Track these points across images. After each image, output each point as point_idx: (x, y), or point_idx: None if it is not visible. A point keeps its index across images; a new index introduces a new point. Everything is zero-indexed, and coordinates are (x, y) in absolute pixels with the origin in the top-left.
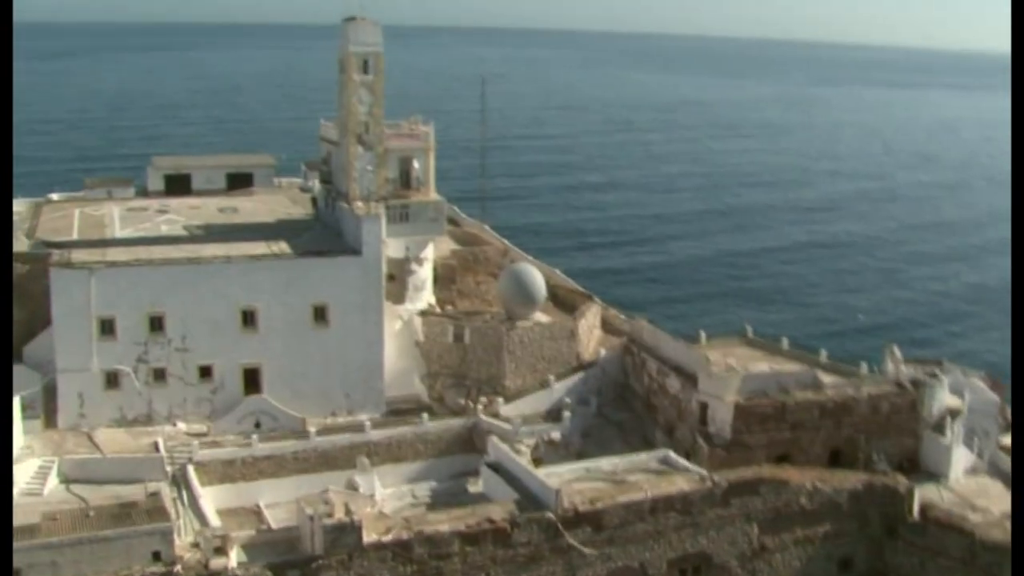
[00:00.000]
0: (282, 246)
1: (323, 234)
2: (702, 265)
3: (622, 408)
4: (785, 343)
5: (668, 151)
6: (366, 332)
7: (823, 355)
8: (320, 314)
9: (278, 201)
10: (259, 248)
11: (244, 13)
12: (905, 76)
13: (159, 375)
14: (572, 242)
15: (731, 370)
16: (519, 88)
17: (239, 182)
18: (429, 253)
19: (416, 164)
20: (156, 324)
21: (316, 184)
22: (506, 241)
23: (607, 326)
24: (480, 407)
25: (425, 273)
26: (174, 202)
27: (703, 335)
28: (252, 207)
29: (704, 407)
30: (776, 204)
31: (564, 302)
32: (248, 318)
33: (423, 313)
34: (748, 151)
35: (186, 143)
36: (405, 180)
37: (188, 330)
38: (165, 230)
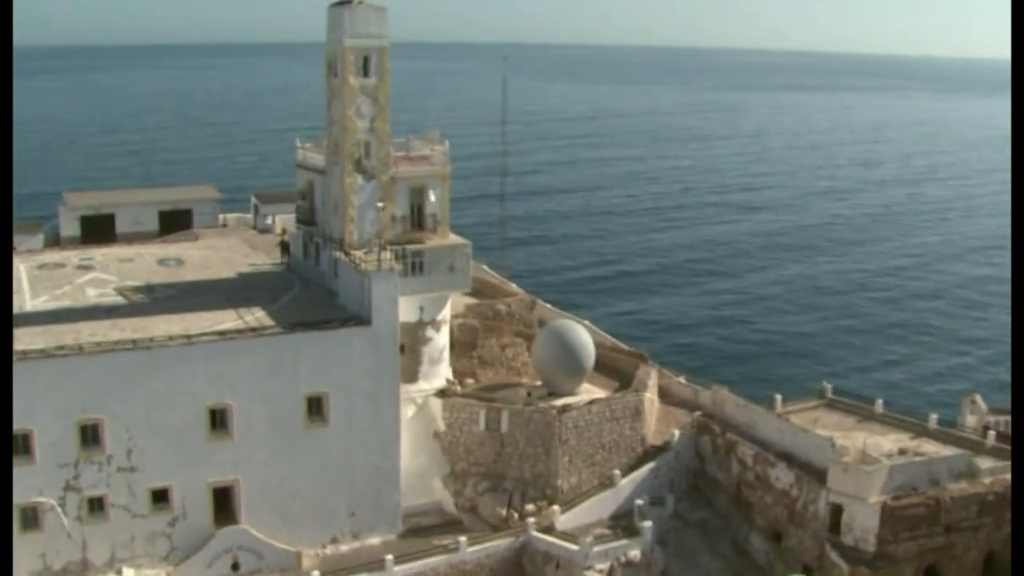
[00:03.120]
0: (259, 315)
1: (308, 295)
2: (706, 307)
3: (699, 503)
4: (880, 405)
5: (617, 167)
6: (378, 428)
7: (932, 420)
8: (316, 408)
9: (231, 246)
10: (227, 320)
11: (136, 35)
12: (810, 80)
13: (96, 506)
14: (558, 279)
15: (871, 460)
16: (437, 102)
17: (175, 222)
18: (447, 314)
19: (432, 196)
20: (90, 436)
21: (277, 225)
22: (517, 287)
23: (662, 395)
24: (530, 520)
25: (443, 340)
26: (98, 253)
27: (779, 399)
28: (201, 256)
29: (837, 510)
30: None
31: (609, 366)
32: (218, 420)
33: (443, 394)
34: (688, 160)
35: (100, 176)
36: (417, 218)
37: (135, 442)
38: (93, 296)
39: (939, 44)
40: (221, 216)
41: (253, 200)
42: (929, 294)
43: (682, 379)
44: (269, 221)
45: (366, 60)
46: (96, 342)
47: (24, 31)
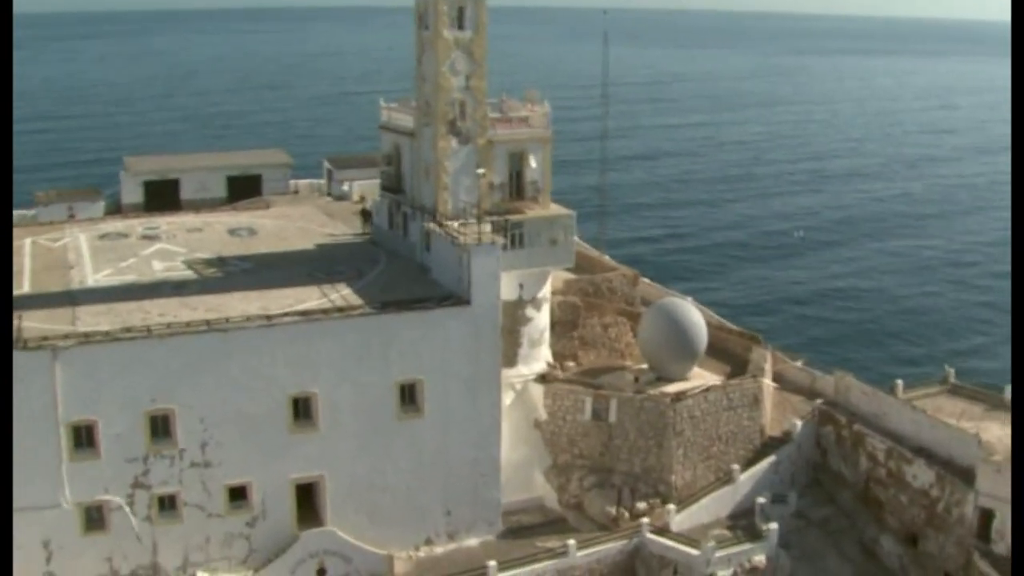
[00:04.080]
0: (344, 293)
1: (396, 270)
2: (809, 283)
3: (820, 500)
4: (1008, 393)
5: (690, 133)
6: (476, 418)
7: None
8: (409, 396)
9: (306, 215)
10: (310, 298)
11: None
12: (872, 44)
13: (167, 505)
14: (649, 250)
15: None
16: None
17: (244, 188)
18: (547, 291)
19: (533, 162)
20: (161, 428)
21: (354, 192)
22: (613, 262)
23: (776, 380)
24: (643, 519)
25: (544, 320)
26: (163, 221)
27: (900, 385)
28: (274, 226)
29: (987, 515)
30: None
31: (718, 348)
32: (301, 409)
33: (544, 379)
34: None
35: (159, 143)
36: (517, 186)
37: (210, 434)
38: (160, 270)
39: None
40: (292, 182)
41: (326, 165)
42: None
43: (800, 363)
44: (345, 187)
45: (460, 11)
46: (166, 323)
47: None
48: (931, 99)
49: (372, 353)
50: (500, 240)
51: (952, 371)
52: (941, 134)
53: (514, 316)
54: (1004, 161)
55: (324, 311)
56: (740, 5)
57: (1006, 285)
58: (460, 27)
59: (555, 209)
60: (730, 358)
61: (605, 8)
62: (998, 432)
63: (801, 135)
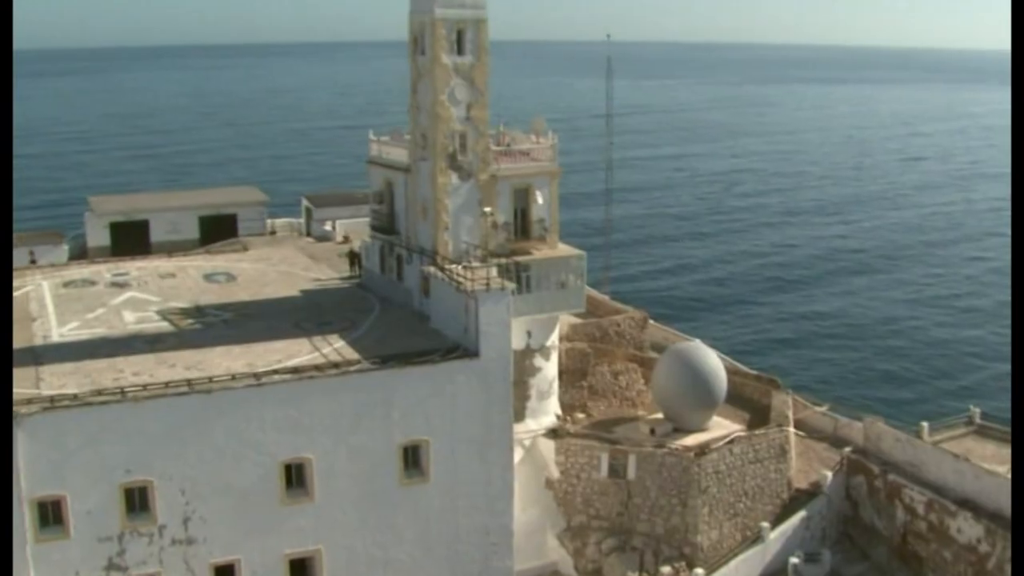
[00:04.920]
0: (338, 346)
1: (392, 318)
2: (813, 321)
3: (853, 556)
4: None
5: (654, 166)
6: (486, 481)
7: None
8: (413, 459)
9: (288, 258)
10: (300, 352)
11: (143, 37)
12: (834, 73)
13: None
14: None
15: None
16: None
17: (218, 229)
18: (555, 339)
19: (540, 199)
20: (137, 502)
21: (338, 231)
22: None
23: (796, 426)
24: None
25: (553, 371)
26: (133, 266)
27: (926, 427)
28: (254, 270)
29: None
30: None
31: (734, 394)
32: (294, 477)
33: (555, 434)
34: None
35: (124, 181)
36: (522, 225)
37: (193, 507)
38: (131, 322)
39: (964, 36)
40: (268, 222)
41: (304, 203)
42: None
43: (824, 408)
44: (328, 227)
45: (460, 34)
46: (142, 384)
47: (35, 34)
48: (899, 127)
49: (372, 413)
50: (510, 285)
51: (977, 411)
52: (923, 161)
53: (522, 366)
54: (988, 187)
55: (317, 367)
56: (710, 36)
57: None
58: (460, 52)
59: (564, 249)
60: (746, 404)
61: (608, 32)
62: None
63: (786, 164)
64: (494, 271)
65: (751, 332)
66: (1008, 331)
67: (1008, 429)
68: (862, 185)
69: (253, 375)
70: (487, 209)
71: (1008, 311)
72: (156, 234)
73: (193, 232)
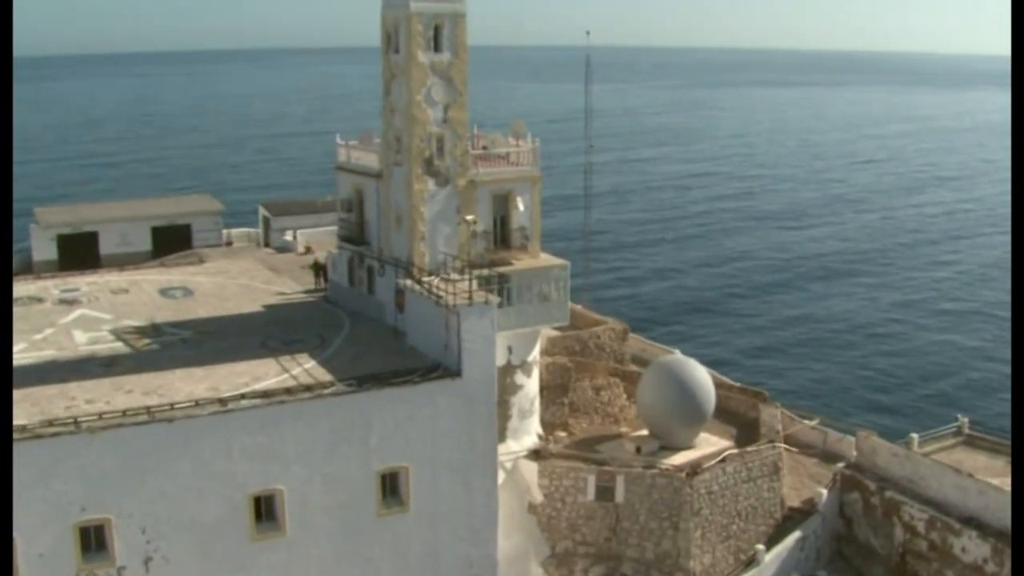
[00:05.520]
0: (308, 366)
1: (365, 335)
2: (790, 328)
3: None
4: None
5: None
6: (471, 509)
7: None
8: (391, 487)
9: (248, 270)
10: (268, 374)
11: (83, 45)
12: (780, 76)
13: None
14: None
15: None
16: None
17: (172, 240)
18: (537, 354)
19: (521, 205)
20: (94, 542)
21: (299, 242)
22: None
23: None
24: None
25: (535, 388)
26: (82, 281)
27: (916, 439)
28: (212, 284)
29: None
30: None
31: (722, 409)
32: (264, 511)
33: (538, 455)
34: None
35: (68, 192)
36: (502, 234)
37: (155, 546)
38: (83, 342)
39: (904, 40)
40: (224, 232)
41: (262, 212)
42: None
43: (814, 422)
44: (288, 237)
45: (436, 30)
46: (97, 413)
47: None
48: (851, 129)
49: (348, 439)
50: (495, 299)
51: (966, 420)
52: (880, 163)
53: (502, 384)
54: (946, 190)
55: (288, 391)
56: (654, 40)
57: (995, 316)
58: (436, 49)
59: (546, 259)
60: (732, 418)
61: (588, 30)
62: None
63: (744, 168)
64: (474, 282)
65: (721, 341)
66: (988, 335)
67: (998, 440)
68: (823, 188)
69: (218, 400)
70: (470, 217)
71: (979, 314)
72: (106, 246)
73: (145, 244)
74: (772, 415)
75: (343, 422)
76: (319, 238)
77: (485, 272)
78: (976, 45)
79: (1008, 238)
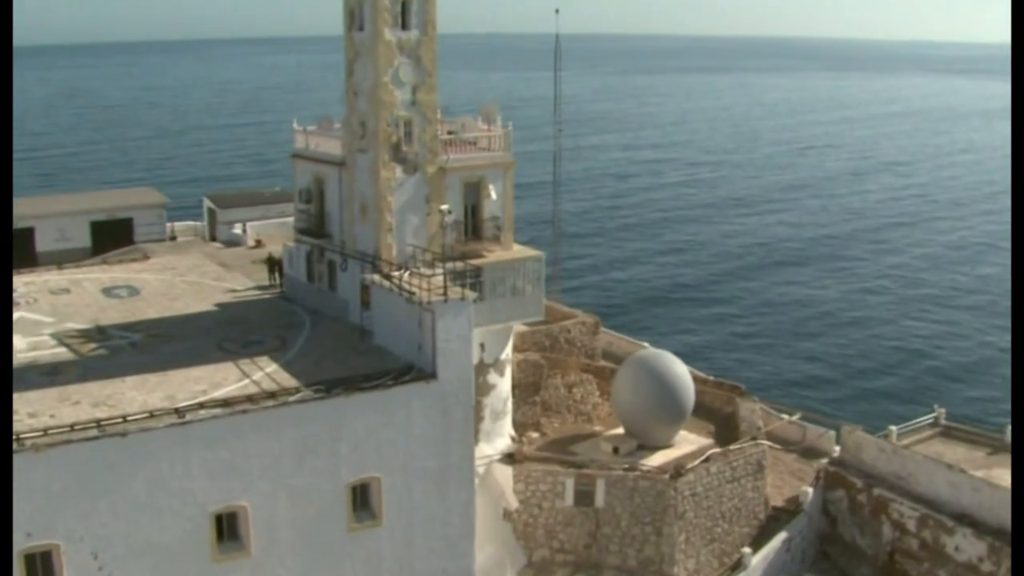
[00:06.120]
0: (270, 370)
1: (327, 334)
2: (754, 319)
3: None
4: (1009, 434)
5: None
6: (446, 520)
7: None
8: (362, 500)
9: (196, 266)
10: (227, 380)
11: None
12: (713, 62)
13: None
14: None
15: None
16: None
17: (113, 235)
18: (509, 351)
19: (493, 193)
20: (41, 570)
21: (249, 235)
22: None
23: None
24: None
25: (507, 387)
26: (19, 281)
27: (894, 431)
28: (159, 282)
29: None
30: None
31: (698, 404)
32: (227, 529)
33: (512, 459)
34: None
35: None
36: (474, 224)
37: (108, 572)
38: (22, 348)
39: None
40: (168, 225)
41: (207, 204)
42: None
43: (795, 417)
44: (237, 230)
45: (404, 6)
46: (42, 429)
47: None
48: (798, 115)
49: (316, 449)
50: (471, 295)
51: (943, 411)
52: (829, 149)
53: (475, 384)
54: (891, 176)
55: (250, 398)
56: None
57: (958, 300)
58: (404, 26)
59: (519, 250)
60: (708, 414)
61: (557, 7)
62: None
63: (687, 154)
64: (442, 274)
65: (686, 332)
66: (950, 320)
67: (975, 430)
68: (772, 175)
69: (175, 411)
70: (444, 207)
71: (941, 298)
72: (43, 243)
73: (84, 240)
74: (751, 410)
75: (310, 431)
76: (270, 231)
77: (460, 265)
78: (905, 31)
79: (974, 221)
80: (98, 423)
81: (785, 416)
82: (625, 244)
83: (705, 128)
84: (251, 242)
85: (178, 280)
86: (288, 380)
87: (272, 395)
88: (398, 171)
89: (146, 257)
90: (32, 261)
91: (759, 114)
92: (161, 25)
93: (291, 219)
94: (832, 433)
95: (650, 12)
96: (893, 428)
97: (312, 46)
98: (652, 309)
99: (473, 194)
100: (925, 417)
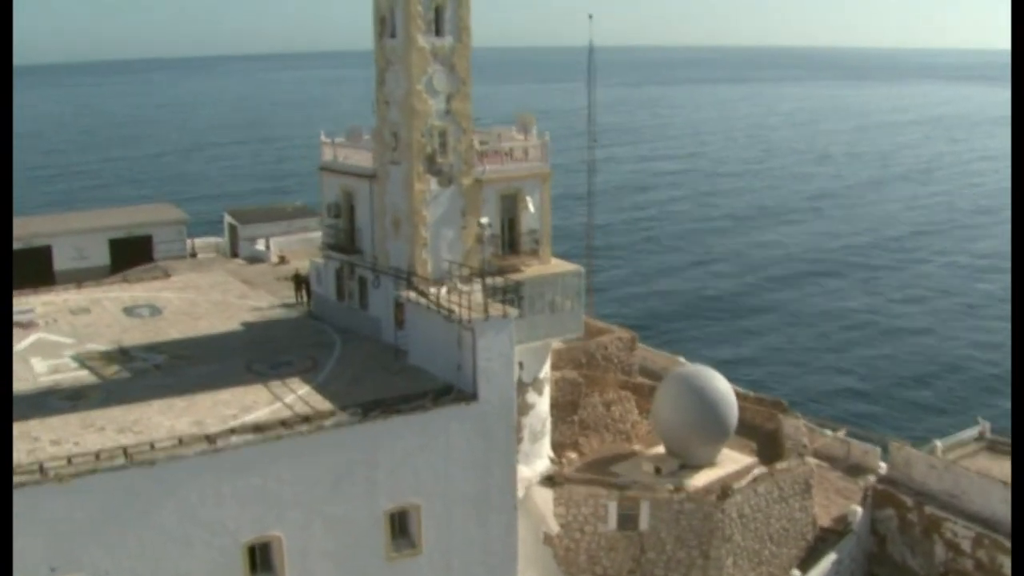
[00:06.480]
0: (302, 392)
1: (359, 354)
2: (793, 331)
3: None
4: None
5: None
6: (488, 547)
7: None
8: (401, 527)
9: (218, 284)
10: (258, 403)
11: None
12: (726, 73)
13: None
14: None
15: None
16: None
17: (132, 253)
18: (547, 370)
19: (531, 206)
20: None
21: (272, 251)
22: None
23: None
24: None
25: (546, 406)
26: (37, 301)
27: (939, 446)
28: (181, 301)
29: None
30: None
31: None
32: (260, 561)
33: (552, 481)
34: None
35: (18, 206)
36: (511, 237)
37: None
38: (43, 372)
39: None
40: (189, 242)
41: (227, 220)
42: None
43: (840, 433)
44: (260, 246)
45: (438, 11)
46: (66, 457)
47: None
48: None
49: (353, 476)
50: (513, 312)
51: (987, 424)
52: (853, 158)
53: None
54: (931, 180)
55: (284, 423)
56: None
57: (995, 310)
58: (438, 32)
59: (558, 264)
60: (749, 431)
61: (591, 14)
62: None
63: (708, 165)
64: (477, 292)
65: (719, 346)
66: (990, 330)
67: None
68: (794, 185)
69: (205, 437)
70: (484, 220)
71: (979, 307)
72: (60, 261)
73: (103, 258)
74: (795, 426)
75: (347, 457)
76: (294, 246)
77: (505, 280)
78: (914, 39)
79: (1000, 230)
80: (124, 451)
81: (829, 432)
82: (649, 257)
83: (720, 139)
84: (275, 258)
85: (201, 298)
86: (322, 403)
87: (306, 419)
88: (432, 183)
89: (167, 275)
90: (50, 280)
91: (773, 124)
92: (165, 43)
93: (315, 234)
94: (876, 448)
95: (656, 23)
96: (938, 443)
97: (315, 62)
98: (681, 323)
99: (510, 207)
100: (969, 430)
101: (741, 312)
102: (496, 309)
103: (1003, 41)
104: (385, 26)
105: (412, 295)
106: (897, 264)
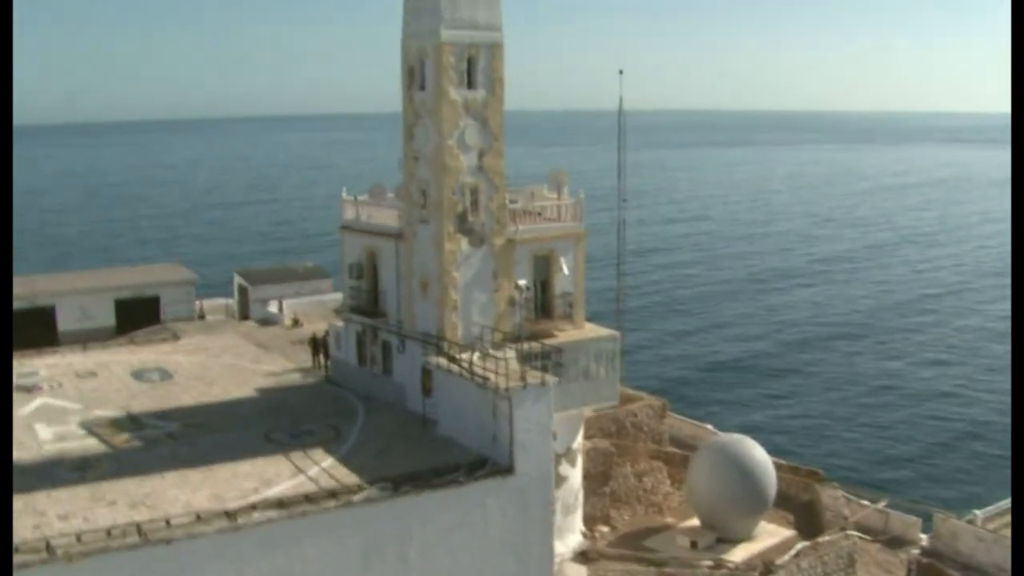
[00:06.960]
0: (327, 465)
1: (384, 423)
2: (822, 397)
3: None
4: None
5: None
6: None
7: None
8: None
9: (230, 347)
10: (280, 476)
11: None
12: (726, 137)
13: None
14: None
15: None
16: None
17: (139, 314)
18: (580, 439)
19: (565, 268)
20: None
21: (286, 313)
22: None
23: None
24: None
25: (578, 478)
26: (41, 364)
27: (979, 515)
28: (191, 364)
29: None
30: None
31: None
32: None
33: (585, 557)
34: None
35: (18, 267)
36: (543, 300)
37: None
38: (48, 439)
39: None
40: (197, 303)
41: (237, 280)
42: None
43: (881, 504)
44: (273, 308)
45: (470, 63)
46: (75, 534)
47: None
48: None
49: (383, 554)
50: (552, 380)
51: None
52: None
53: None
54: (948, 241)
55: (309, 498)
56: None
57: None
58: (470, 85)
59: (592, 329)
60: (785, 502)
61: (621, 69)
62: None
63: (715, 228)
64: (512, 358)
65: (742, 412)
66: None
67: None
68: (806, 248)
69: (225, 514)
70: (521, 282)
71: (996, 370)
72: (64, 322)
73: (108, 318)
74: (834, 497)
75: (377, 534)
76: (307, 308)
77: (543, 346)
78: (916, 103)
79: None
80: (138, 528)
81: (867, 503)
82: (667, 321)
83: (726, 202)
84: (288, 321)
85: (213, 362)
86: (347, 476)
87: (333, 494)
88: (463, 243)
89: (176, 337)
90: (54, 341)
91: (778, 187)
92: (166, 105)
93: (329, 296)
94: (915, 518)
95: (660, 88)
96: (978, 512)
97: (314, 124)
98: (702, 388)
99: (543, 268)
100: (1007, 499)
101: (760, 377)
102: (534, 376)
103: (993, 105)
104: (414, 78)
105: (441, 361)
106: (914, 327)
